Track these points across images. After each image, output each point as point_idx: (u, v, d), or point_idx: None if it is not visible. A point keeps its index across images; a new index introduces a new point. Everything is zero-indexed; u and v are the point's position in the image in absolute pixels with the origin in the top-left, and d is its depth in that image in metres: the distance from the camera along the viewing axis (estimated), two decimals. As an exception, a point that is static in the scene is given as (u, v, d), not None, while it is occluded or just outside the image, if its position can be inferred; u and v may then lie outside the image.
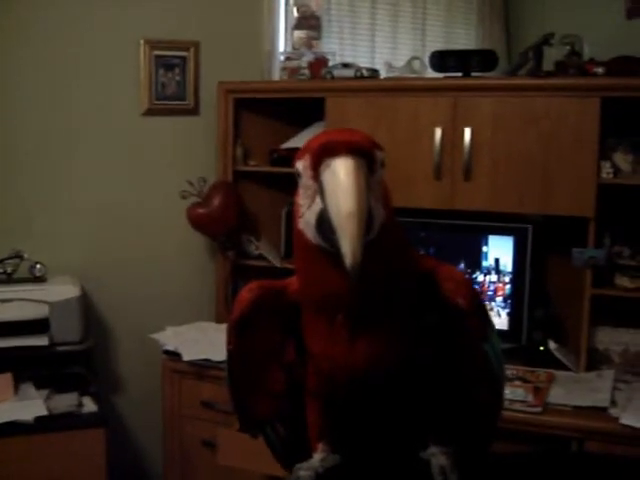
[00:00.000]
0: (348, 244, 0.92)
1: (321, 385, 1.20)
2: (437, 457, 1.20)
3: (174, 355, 3.06)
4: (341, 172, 0.94)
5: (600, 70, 2.83)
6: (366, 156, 0.97)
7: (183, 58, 3.46)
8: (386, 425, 1.22)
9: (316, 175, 0.96)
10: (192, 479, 3.14)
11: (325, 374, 1.17)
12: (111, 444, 2.87)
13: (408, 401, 1.19)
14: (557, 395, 2.64)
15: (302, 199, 1.01)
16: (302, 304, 1.16)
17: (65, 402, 2.82)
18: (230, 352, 1.26)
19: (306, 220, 1.00)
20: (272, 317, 1.23)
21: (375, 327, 1.08)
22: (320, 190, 0.96)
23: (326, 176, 0.95)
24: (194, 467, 3.11)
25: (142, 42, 3.39)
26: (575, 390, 2.70)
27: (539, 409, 2.56)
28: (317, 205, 0.97)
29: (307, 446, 1.28)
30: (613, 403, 2.62)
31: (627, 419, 2.48)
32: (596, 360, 2.95)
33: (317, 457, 1.24)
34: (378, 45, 3.73)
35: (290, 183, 3.35)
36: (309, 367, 1.22)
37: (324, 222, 0.96)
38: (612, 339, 2.95)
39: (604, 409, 2.58)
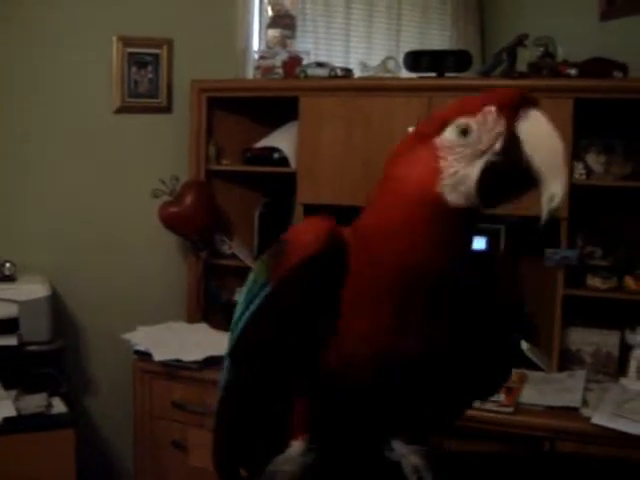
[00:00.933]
0: (561, 182, 0.94)
1: (339, 369, 1.09)
2: (407, 458, 1.17)
3: (145, 355, 3.03)
4: (544, 120, 0.96)
5: (573, 71, 2.85)
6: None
7: (156, 56, 3.43)
8: (381, 419, 1.18)
9: (509, 125, 0.96)
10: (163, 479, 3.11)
11: (351, 358, 1.07)
12: (81, 445, 2.84)
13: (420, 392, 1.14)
14: (529, 395, 2.65)
15: (455, 159, 0.98)
16: (359, 276, 1.04)
17: (34, 403, 2.78)
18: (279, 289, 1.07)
19: (459, 178, 0.98)
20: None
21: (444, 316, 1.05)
22: (512, 139, 0.96)
23: (527, 125, 0.95)
24: (165, 468, 3.08)
25: (115, 39, 3.36)
26: (547, 390, 2.71)
27: (511, 409, 2.56)
28: (488, 157, 0.97)
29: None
30: (584, 403, 2.63)
31: (598, 419, 2.49)
32: (568, 360, 2.96)
33: (296, 448, 1.19)
34: (353, 45, 3.72)
35: (263, 183, 3.34)
36: (330, 346, 1.09)
37: (505, 172, 0.96)
38: (584, 340, 2.97)
39: (576, 409, 2.59)
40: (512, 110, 0.96)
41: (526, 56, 2.98)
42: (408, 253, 1.00)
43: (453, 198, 0.98)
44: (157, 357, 2.96)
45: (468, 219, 1.00)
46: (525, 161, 0.95)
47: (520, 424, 2.54)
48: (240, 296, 1.17)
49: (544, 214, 0.95)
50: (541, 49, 2.95)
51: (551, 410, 2.60)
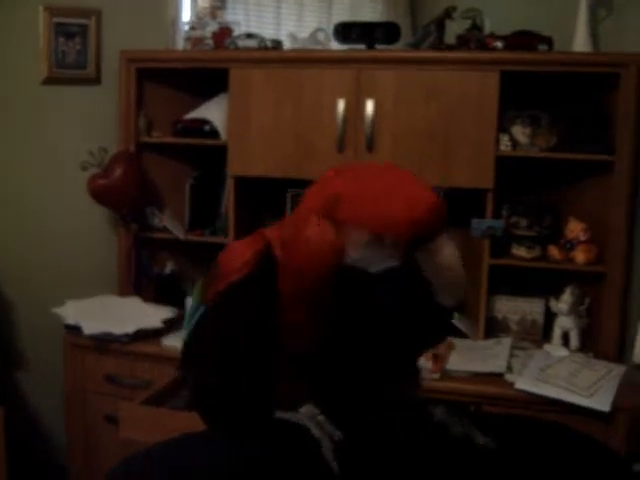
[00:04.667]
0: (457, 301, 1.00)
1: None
2: (437, 409, 1.20)
3: (75, 329, 3.00)
4: (450, 254, 0.96)
5: (499, 44, 2.90)
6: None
7: (84, 26, 3.36)
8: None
9: (406, 254, 0.95)
10: (96, 454, 3.09)
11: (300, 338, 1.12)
12: (11, 421, 2.81)
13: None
14: (456, 362, 2.71)
15: (360, 253, 0.98)
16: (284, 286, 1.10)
17: (-39, 379, 2.75)
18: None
19: (362, 263, 0.98)
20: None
21: None
22: (415, 268, 0.96)
23: (432, 259, 0.96)
24: (98, 442, 3.07)
25: (41, 9, 3.28)
26: (473, 357, 2.78)
27: (437, 375, 2.62)
28: (384, 263, 0.97)
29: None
30: (509, 369, 2.70)
31: (521, 384, 2.57)
32: (494, 328, 3.04)
33: (309, 409, 1.17)
34: (284, 16, 3.69)
35: (194, 155, 3.31)
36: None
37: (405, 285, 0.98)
38: (510, 308, 3.04)
39: (500, 375, 2.67)
40: (416, 244, 0.96)
41: (455, 28, 3.01)
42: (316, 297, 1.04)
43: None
44: (87, 331, 2.94)
45: None
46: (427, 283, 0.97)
47: (446, 390, 2.59)
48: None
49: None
50: (469, 22, 2.98)
51: (477, 376, 2.67)
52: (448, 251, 0.96)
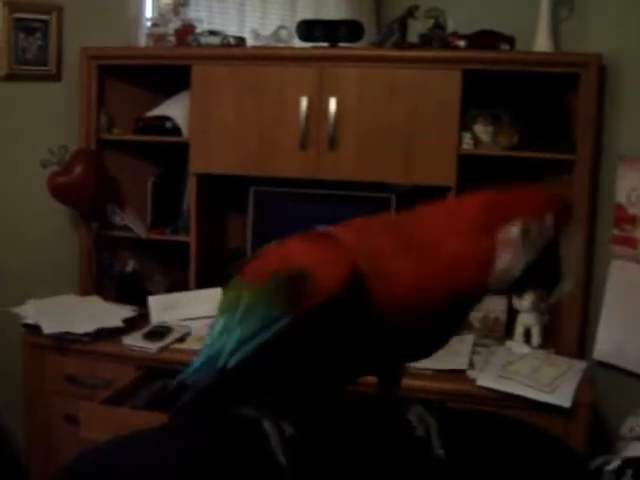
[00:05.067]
0: (571, 283, 1.09)
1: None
2: (411, 407, 1.22)
3: (34, 329, 2.95)
4: (578, 233, 1.12)
5: (462, 43, 2.91)
6: None
7: (45, 22, 3.32)
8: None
9: (557, 230, 1.07)
10: (56, 455, 3.05)
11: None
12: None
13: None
14: (419, 360, 2.71)
15: (510, 253, 1.05)
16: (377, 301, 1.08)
17: None
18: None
19: (506, 271, 1.05)
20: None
21: None
22: (553, 243, 1.07)
23: (569, 236, 1.07)
24: (58, 443, 3.03)
25: (1, 4, 3.24)
26: (437, 354, 2.77)
27: (400, 373, 2.62)
28: (532, 255, 1.06)
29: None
30: (471, 366, 2.71)
31: (483, 380, 2.58)
32: (457, 326, 3.04)
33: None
34: (247, 13, 3.68)
35: (156, 152, 3.27)
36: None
37: (540, 268, 1.07)
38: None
39: (462, 371, 2.68)
40: (564, 221, 1.07)
41: (418, 27, 3.02)
42: (424, 311, 1.08)
43: (492, 285, 1.06)
44: (46, 330, 2.89)
45: None
46: (557, 263, 1.07)
47: (409, 387, 2.56)
48: (239, 315, 1.14)
49: (552, 300, 1.15)
50: (432, 21, 2.99)
51: (439, 373, 2.68)
52: (577, 237, 1.11)
